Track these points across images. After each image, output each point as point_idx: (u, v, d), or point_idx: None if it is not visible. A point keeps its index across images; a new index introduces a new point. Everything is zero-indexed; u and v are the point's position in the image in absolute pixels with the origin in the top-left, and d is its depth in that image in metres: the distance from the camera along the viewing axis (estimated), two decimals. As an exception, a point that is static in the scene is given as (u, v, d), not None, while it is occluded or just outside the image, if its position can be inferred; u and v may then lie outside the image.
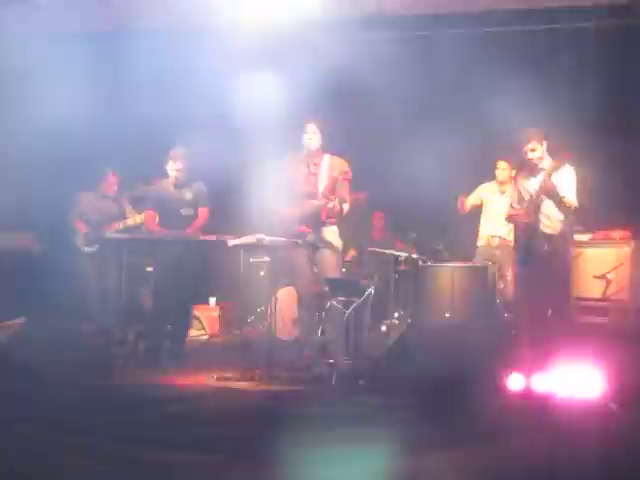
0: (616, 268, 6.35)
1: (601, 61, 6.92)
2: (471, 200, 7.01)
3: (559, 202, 5.50)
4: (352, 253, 7.52)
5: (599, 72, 6.89)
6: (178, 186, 6.34)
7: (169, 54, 7.81)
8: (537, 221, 5.50)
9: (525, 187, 5.67)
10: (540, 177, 5.56)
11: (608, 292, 6.34)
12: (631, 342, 5.44)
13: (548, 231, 5.53)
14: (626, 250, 6.41)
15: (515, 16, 7.21)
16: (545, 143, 5.57)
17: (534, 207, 5.48)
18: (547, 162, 5.59)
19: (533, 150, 5.54)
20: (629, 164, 6.67)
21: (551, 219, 5.55)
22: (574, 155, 5.57)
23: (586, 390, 4.38)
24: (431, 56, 7.49)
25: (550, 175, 5.41)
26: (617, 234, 6.56)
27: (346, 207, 5.66)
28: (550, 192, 5.45)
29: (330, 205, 5.52)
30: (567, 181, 5.51)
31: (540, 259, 5.48)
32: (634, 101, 6.94)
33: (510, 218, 5.83)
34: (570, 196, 5.52)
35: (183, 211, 6.28)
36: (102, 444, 3.63)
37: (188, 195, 6.32)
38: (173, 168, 6.30)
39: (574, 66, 6.89)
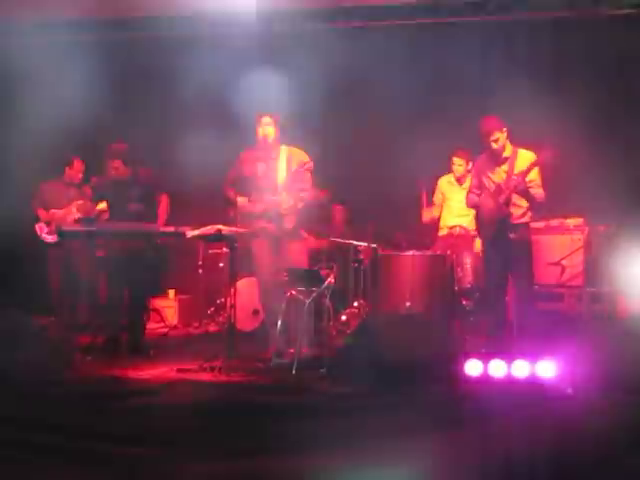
0: (571, 255, 6.43)
1: (556, 51, 7.09)
2: (437, 200, 6.98)
3: (529, 196, 5.54)
4: (313, 243, 7.49)
5: (553, 62, 7.04)
6: (122, 182, 6.21)
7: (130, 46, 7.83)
8: (508, 212, 5.53)
9: (489, 176, 5.67)
10: (505, 167, 5.58)
11: (563, 278, 6.44)
12: (585, 328, 5.64)
13: (514, 220, 5.56)
14: (580, 237, 6.49)
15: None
16: (505, 130, 5.58)
17: (506, 199, 5.49)
18: (508, 149, 5.61)
19: (496, 140, 5.54)
20: (582, 152, 6.72)
21: (519, 208, 5.58)
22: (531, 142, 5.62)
23: (543, 375, 4.44)
24: (388, 48, 7.57)
25: (523, 172, 5.41)
26: (571, 222, 6.64)
27: (303, 202, 5.65)
28: (521, 189, 5.48)
29: (284, 205, 5.59)
30: (535, 174, 5.53)
31: (506, 247, 5.53)
32: (586, 86, 7.09)
33: (474, 206, 5.84)
34: (540, 190, 5.56)
35: (131, 207, 6.16)
36: (58, 440, 3.59)
37: (135, 191, 6.20)
38: (111, 166, 6.18)
39: (528, 56, 6.99)
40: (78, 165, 7.06)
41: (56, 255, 6.95)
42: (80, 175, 7.06)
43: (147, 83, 8.10)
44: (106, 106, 7.73)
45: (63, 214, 6.92)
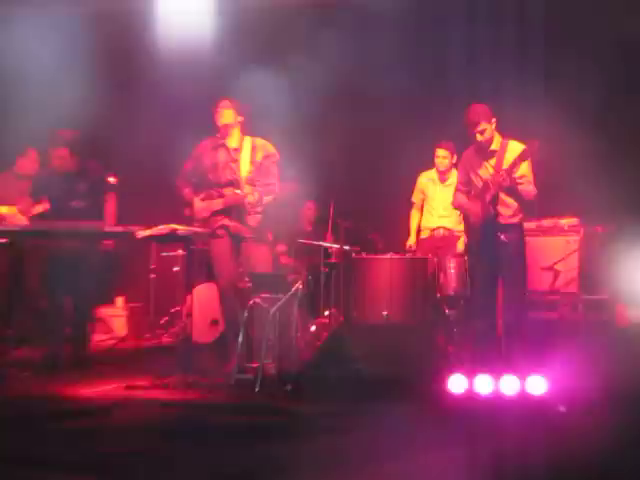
0: (565, 258, 6.31)
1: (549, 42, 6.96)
2: (417, 199, 6.89)
3: (517, 194, 5.27)
4: (282, 247, 7.22)
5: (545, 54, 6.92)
6: (67, 175, 6.00)
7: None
8: (495, 212, 5.26)
9: (477, 172, 5.43)
10: (492, 161, 5.33)
11: (557, 284, 6.31)
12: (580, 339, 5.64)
13: (504, 221, 5.32)
14: (575, 239, 6.43)
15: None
16: (494, 121, 5.32)
17: (492, 197, 5.24)
18: (497, 142, 5.36)
19: (482, 132, 5.26)
20: (578, 146, 6.58)
21: (508, 207, 5.32)
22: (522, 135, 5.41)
23: (534, 392, 4.29)
24: (361, 33, 7.43)
25: (509, 166, 5.13)
26: (566, 222, 6.55)
27: (269, 198, 5.50)
28: (507, 186, 5.18)
29: (250, 199, 5.41)
30: (526, 169, 5.27)
31: (495, 251, 5.28)
32: (582, 80, 6.92)
33: (460, 207, 5.65)
34: (530, 187, 5.30)
35: (75, 203, 5.92)
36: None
37: (81, 186, 5.98)
38: (56, 155, 5.97)
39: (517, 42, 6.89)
40: (33, 155, 6.82)
41: (5, 257, 6.60)
42: (36, 166, 6.82)
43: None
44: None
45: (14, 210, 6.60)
